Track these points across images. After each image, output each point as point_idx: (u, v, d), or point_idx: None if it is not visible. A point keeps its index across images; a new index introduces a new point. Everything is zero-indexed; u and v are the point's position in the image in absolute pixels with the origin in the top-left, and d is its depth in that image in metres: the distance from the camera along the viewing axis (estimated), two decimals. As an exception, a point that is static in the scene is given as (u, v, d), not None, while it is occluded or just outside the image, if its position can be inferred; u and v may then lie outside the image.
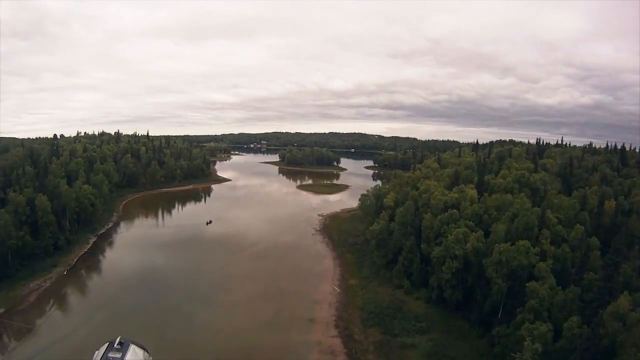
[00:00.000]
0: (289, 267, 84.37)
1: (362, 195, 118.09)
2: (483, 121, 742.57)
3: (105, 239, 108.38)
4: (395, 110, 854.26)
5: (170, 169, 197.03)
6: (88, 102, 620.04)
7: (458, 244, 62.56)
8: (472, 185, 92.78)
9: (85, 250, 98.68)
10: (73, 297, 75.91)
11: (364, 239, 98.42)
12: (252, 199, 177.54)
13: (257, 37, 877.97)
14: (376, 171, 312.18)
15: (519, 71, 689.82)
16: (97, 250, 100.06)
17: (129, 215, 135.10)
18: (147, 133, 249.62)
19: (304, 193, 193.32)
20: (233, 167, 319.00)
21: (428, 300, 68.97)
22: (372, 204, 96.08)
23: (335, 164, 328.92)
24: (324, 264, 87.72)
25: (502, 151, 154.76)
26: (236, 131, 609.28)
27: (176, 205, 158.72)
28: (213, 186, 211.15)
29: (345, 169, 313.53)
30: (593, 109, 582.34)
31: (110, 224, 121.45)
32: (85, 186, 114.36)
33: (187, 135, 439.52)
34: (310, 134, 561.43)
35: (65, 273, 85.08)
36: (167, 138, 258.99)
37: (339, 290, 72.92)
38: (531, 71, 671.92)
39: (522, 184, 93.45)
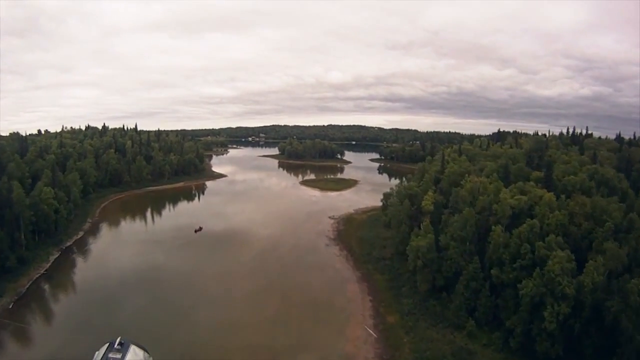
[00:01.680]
0: (301, 299, 62.81)
1: (385, 194, 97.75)
2: (482, 113, 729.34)
3: (71, 254, 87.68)
4: (393, 102, 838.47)
5: (158, 164, 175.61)
6: (85, 98, 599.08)
7: (565, 277, 42.21)
8: (531, 184, 72.81)
9: (43, 271, 77.82)
10: (21, 341, 56.06)
11: (394, 252, 78.28)
12: (251, 197, 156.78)
13: (254, 30, 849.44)
14: (382, 164, 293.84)
15: (519, 62, 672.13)
16: (58, 269, 79.19)
17: (105, 221, 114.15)
18: (136, 126, 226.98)
19: (308, 190, 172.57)
20: (230, 161, 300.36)
21: (503, 348, 49.11)
22: (405, 208, 75.35)
23: (339, 156, 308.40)
24: (348, 290, 66.52)
25: (540, 141, 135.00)
26: (234, 125, 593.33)
27: (163, 208, 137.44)
28: (207, 183, 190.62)
29: (349, 162, 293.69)
30: (593, 100, 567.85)
31: (81, 234, 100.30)
32: (47, 189, 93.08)
33: (184, 130, 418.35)
34: (309, 126, 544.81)
35: (11, 306, 64.75)
36: (158, 132, 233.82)
37: (375, 335, 52.63)
38: (531, 63, 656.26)
39: (597, 181, 73.52)
